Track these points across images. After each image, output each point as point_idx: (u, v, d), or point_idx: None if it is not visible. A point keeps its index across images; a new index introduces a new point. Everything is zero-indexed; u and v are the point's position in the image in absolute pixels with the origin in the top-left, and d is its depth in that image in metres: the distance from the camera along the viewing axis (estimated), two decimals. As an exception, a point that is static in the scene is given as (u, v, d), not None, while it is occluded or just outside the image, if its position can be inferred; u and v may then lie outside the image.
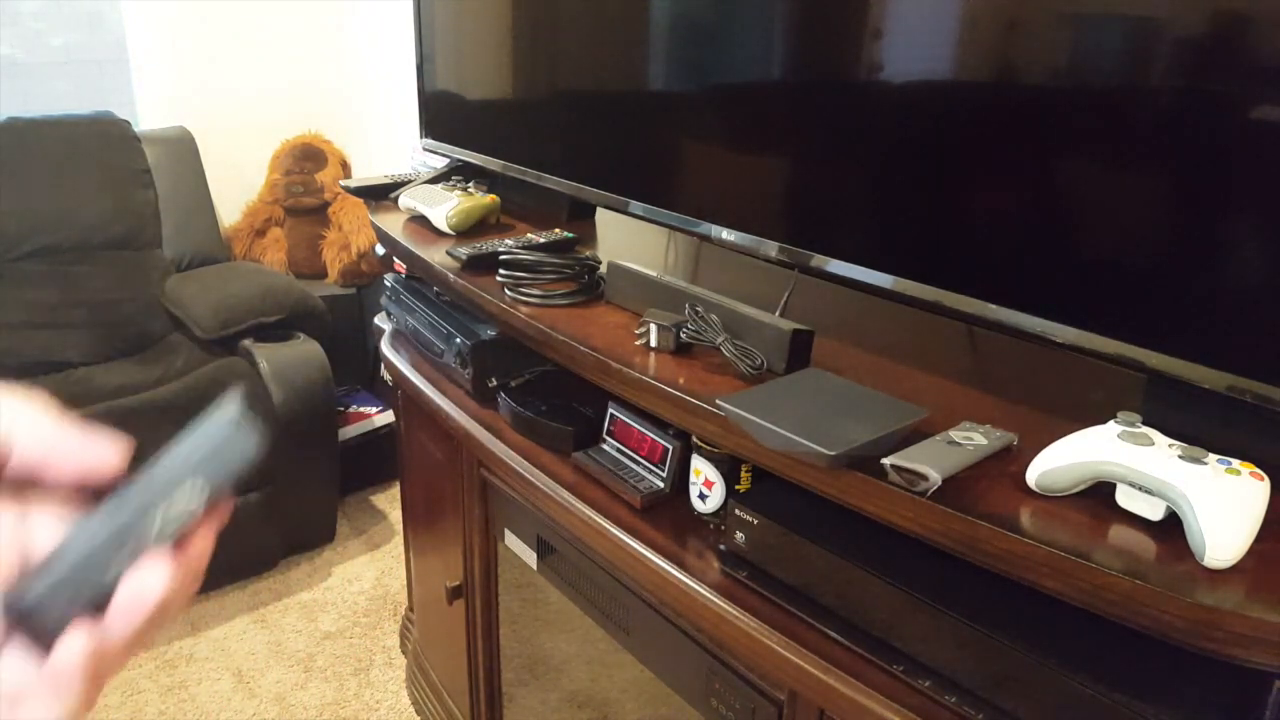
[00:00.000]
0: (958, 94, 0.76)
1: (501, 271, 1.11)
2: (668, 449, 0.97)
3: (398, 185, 1.53)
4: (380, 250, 2.48)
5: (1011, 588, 0.70)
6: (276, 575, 2.13)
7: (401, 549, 2.26)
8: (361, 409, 2.44)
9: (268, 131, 2.72)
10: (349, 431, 2.36)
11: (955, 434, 0.69)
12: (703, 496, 0.93)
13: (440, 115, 1.57)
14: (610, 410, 1.05)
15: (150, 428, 1.84)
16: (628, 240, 1.35)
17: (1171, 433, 0.63)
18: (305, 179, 2.63)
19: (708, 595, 0.83)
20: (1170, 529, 0.59)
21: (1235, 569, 0.55)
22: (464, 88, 1.48)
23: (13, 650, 0.30)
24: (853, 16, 0.83)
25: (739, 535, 0.84)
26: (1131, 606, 0.54)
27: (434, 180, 1.52)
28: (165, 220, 2.40)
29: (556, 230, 1.29)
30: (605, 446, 1.06)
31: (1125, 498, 0.61)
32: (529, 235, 1.26)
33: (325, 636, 1.94)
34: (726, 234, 1.01)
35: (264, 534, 2.06)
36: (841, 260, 0.89)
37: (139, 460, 0.32)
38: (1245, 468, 0.57)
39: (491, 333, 1.22)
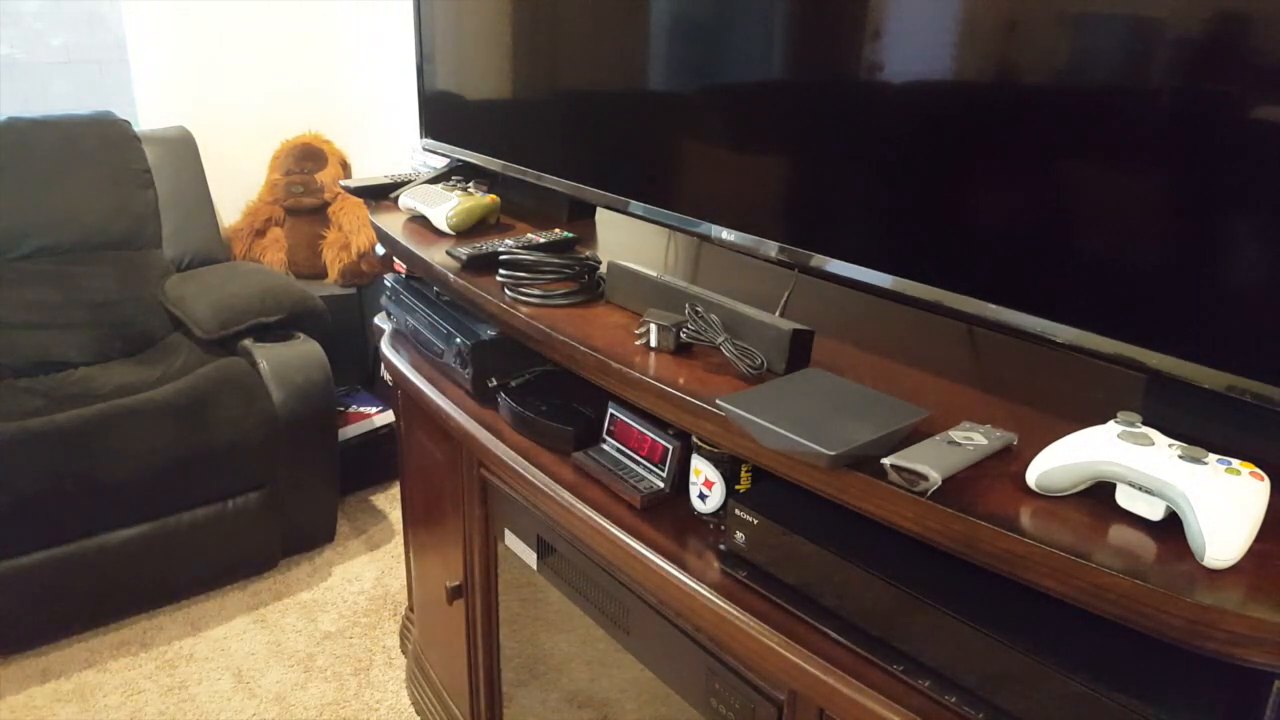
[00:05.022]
0: (957, 94, 0.76)
1: (501, 271, 1.11)
2: (668, 449, 0.97)
3: (398, 185, 1.53)
4: (380, 250, 2.48)
5: (1011, 588, 0.70)
6: (276, 575, 2.13)
7: (401, 549, 2.26)
8: (361, 409, 2.44)
9: (268, 131, 2.72)
10: (349, 431, 2.36)
11: (955, 434, 0.69)
12: (703, 496, 0.93)
13: (440, 115, 1.57)
14: (610, 410, 1.05)
15: (150, 428, 1.84)
16: (628, 240, 1.35)
17: (1171, 433, 0.63)
18: (305, 179, 2.63)
19: (708, 595, 0.83)
20: (1170, 529, 0.59)
21: (1235, 569, 0.55)
22: (464, 88, 1.48)
23: None
24: (852, 16, 0.83)
25: (739, 535, 0.84)
26: (1131, 606, 0.54)
27: (434, 180, 1.52)
28: (165, 220, 2.40)
29: (556, 230, 1.29)
30: (605, 446, 1.06)
31: (1125, 498, 0.61)
32: (529, 235, 1.26)
33: (325, 636, 1.94)
34: (726, 234, 1.01)
35: (264, 534, 2.06)
36: (841, 260, 0.89)
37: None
38: (1245, 468, 0.57)
39: (491, 333, 1.22)
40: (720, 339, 0.87)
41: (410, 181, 1.54)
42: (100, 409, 1.83)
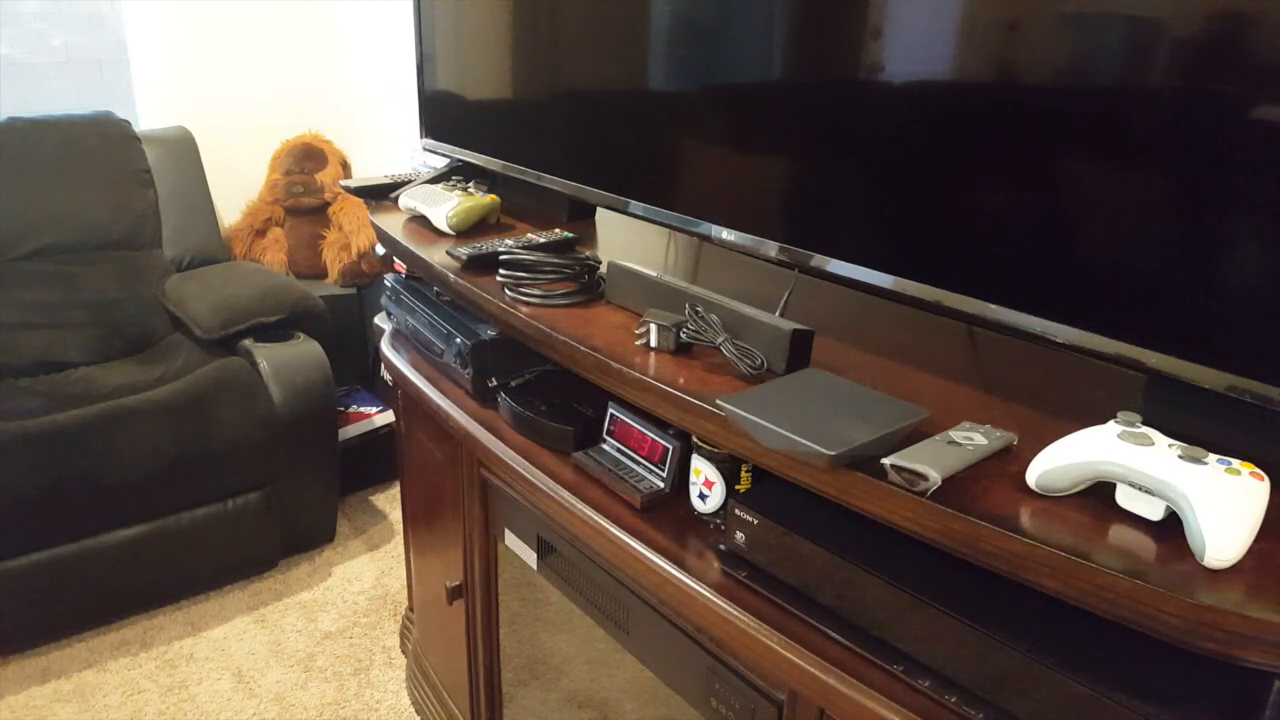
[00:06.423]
0: (957, 94, 0.76)
1: (501, 271, 1.11)
2: (668, 449, 0.97)
3: (398, 185, 1.53)
4: (380, 250, 2.48)
5: (1011, 588, 0.70)
6: (276, 575, 2.13)
7: (401, 549, 2.26)
8: (361, 409, 2.44)
9: (268, 131, 2.72)
10: (349, 431, 2.36)
11: (955, 434, 0.69)
12: (703, 496, 0.93)
13: (440, 115, 1.57)
14: (610, 410, 1.05)
15: (150, 428, 1.84)
16: (628, 240, 1.35)
17: (1171, 433, 0.63)
18: (305, 179, 2.63)
19: (708, 595, 0.83)
20: (1170, 529, 0.59)
21: (1235, 569, 0.55)
22: (464, 88, 1.48)
23: None
24: (852, 16, 0.83)
25: (739, 535, 0.84)
26: (1131, 606, 0.54)
27: (434, 180, 1.52)
28: (165, 220, 2.40)
29: (556, 230, 1.29)
30: (605, 446, 1.06)
31: (1125, 498, 0.61)
32: (529, 235, 1.26)
33: (325, 636, 1.94)
34: (726, 234, 1.01)
35: (264, 534, 2.06)
36: (841, 260, 0.89)
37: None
38: (1245, 468, 0.57)
39: (491, 333, 1.22)
40: (720, 339, 0.87)
41: (410, 181, 1.54)
42: (100, 409, 1.83)
